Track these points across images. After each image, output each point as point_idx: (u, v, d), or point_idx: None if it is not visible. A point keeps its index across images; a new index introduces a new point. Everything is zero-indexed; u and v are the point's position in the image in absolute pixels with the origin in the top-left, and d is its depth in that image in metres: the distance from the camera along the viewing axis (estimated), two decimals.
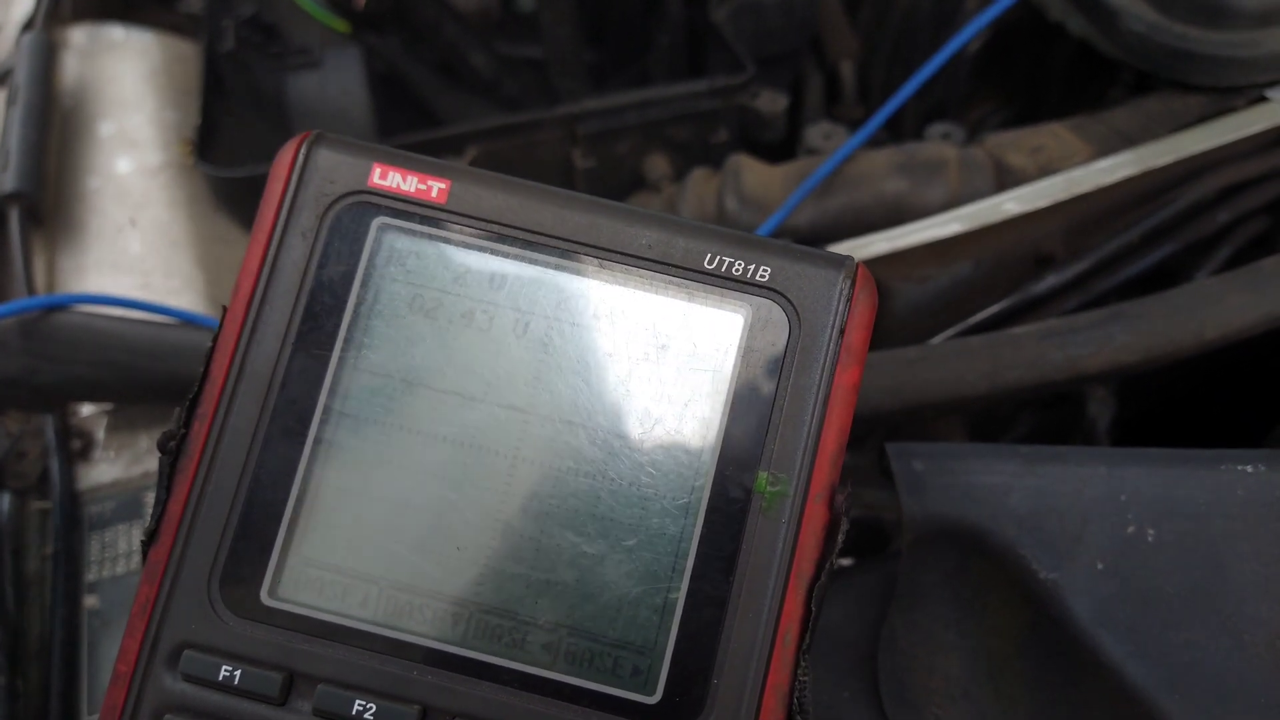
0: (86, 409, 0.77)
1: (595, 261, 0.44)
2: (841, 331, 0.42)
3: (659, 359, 0.43)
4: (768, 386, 0.42)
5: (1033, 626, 0.57)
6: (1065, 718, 0.55)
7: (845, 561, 0.73)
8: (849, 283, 0.43)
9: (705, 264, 0.43)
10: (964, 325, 0.83)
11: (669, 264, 0.43)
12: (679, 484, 0.42)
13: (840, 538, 0.41)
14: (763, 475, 0.41)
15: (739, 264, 0.43)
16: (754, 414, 0.42)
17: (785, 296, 0.43)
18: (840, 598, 0.62)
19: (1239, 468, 0.57)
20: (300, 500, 0.42)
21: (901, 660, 0.58)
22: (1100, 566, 0.55)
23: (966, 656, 0.58)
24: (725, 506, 0.41)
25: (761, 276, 0.43)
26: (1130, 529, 0.56)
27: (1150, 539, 0.55)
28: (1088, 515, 0.56)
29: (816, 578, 0.41)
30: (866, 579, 0.63)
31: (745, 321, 0.43)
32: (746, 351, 0.42)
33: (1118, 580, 0.54)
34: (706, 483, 0.41)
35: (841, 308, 0.42)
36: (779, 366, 0.42)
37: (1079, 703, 0.55)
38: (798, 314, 0.42)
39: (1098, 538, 0.56)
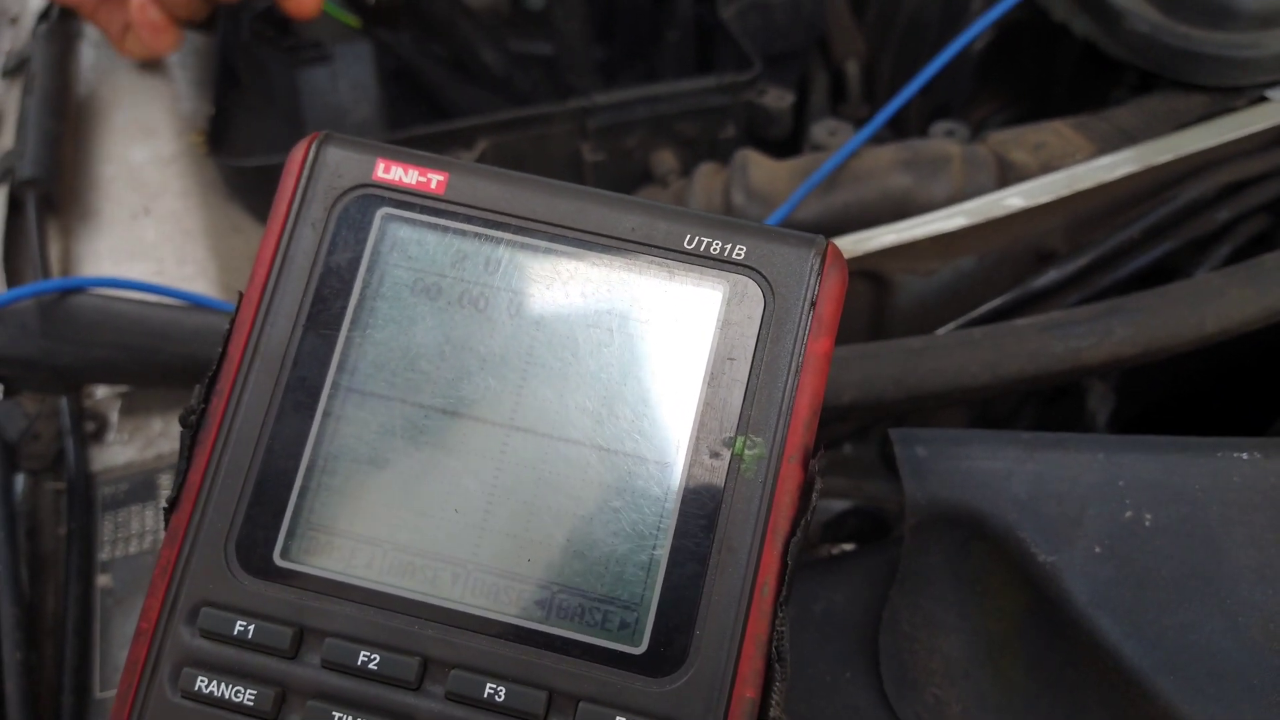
0: (100, 392, 0.78)
1: (583, 244, 0.46)
2: (813, 304, 0.45)
3: (643, 333, 0.45)
4: (744, 356, 0.44)
5: (1032, 608, 0.57)
6: (1063, 697, 0.56)
7: (848, 547, 0.74)
8: (819, 259, 0.45)
9: (685, 244, 0.46)
10: (967, 318, 0.84)
11: (651, 245, 0.46)
12: (662, 448, 0.44)
13: (815, 496, 0.43)
14: (740, 439, 0.44)
15: (716, 244, 0.46)
16: (732, 381, 0.44)
17: (760, 273, 0.45)
18: (843, 580, 0.63)
19: (1235, 455, 0.58)
20: (310, 469, 0.44)
21: (902, 641, 0.59)
22: (1098, 550, 0.56)
23: (966, 638, 0.59)
24: (705, 468, 0.43)
25: (738, 255, 0.45)
26: (1128, 514, 0.57)
27: (1148, 523, 0.56)
28: (1086, 500, 0.57)
29: (792, 534, 0.43)
30: (869, 562, 0.63)
31: (723, 296, 0.45)
32: (724, 324, 0.45)
33: (1115, 563, 0.55)
34: (688, 447, 0.44)
35: (813, 282, 0.45)
36: (755, 337, 0.45)
37: (1077, 683, 0.56)
38: (772, 289, 0.45)
39: (1096, 522, 0.56)
